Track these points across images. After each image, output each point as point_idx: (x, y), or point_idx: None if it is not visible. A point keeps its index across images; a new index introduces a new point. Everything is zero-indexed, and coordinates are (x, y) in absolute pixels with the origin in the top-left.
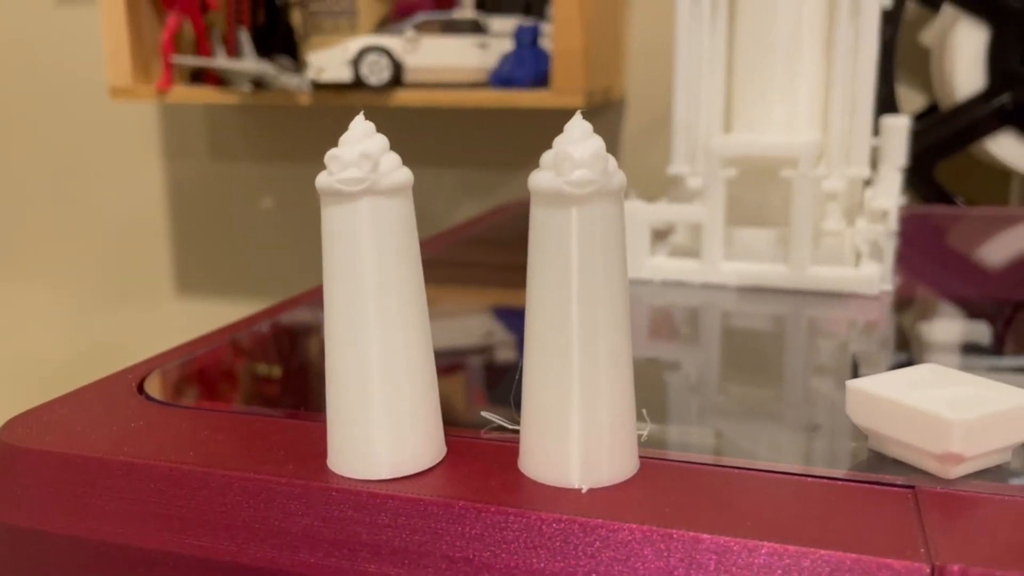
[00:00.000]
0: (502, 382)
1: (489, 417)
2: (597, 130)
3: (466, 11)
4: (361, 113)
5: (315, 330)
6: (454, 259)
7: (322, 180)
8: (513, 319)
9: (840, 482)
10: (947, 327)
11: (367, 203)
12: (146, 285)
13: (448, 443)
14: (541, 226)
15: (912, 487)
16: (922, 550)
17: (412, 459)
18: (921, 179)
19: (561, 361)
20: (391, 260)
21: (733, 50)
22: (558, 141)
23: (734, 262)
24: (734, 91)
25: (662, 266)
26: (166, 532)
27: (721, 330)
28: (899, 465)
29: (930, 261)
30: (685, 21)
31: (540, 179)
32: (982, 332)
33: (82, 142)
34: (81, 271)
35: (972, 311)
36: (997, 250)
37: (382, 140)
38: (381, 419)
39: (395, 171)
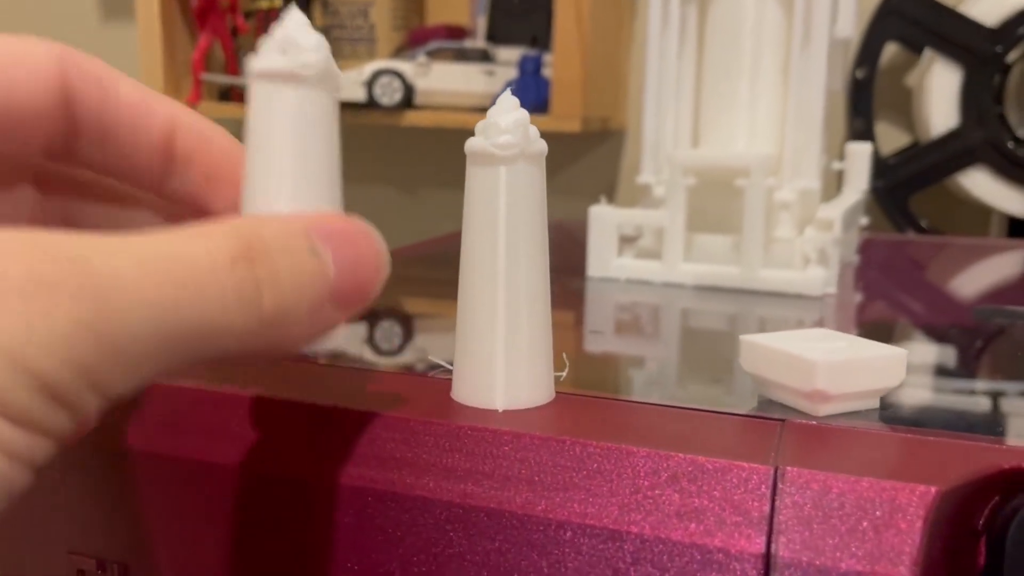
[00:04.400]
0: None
1: (436, 362)
2: (597, 159)
3: (477, 41)
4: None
5: None
6: (418, 275)
7: (478, 144)
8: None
9: (723, 415)
10: (887, 327)
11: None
12: None
13: (387, 378)
14: (474, 182)
15: (783, 420)
16: (771, 458)
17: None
18: (895, 209)
19: (487, 298)
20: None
21: (701, 74)
22: (489, 112)
23: (693, 264)
24: (701, 111)
25: (627, 266)
26: (307, 463)
27: (675, 325)
28: (783, 409)
29: (888, 281)
30: (655, 44)
31: (473, 143)
32: (918, 336)
33: None
34: None
35: (915, 322)
36: (955, 276)
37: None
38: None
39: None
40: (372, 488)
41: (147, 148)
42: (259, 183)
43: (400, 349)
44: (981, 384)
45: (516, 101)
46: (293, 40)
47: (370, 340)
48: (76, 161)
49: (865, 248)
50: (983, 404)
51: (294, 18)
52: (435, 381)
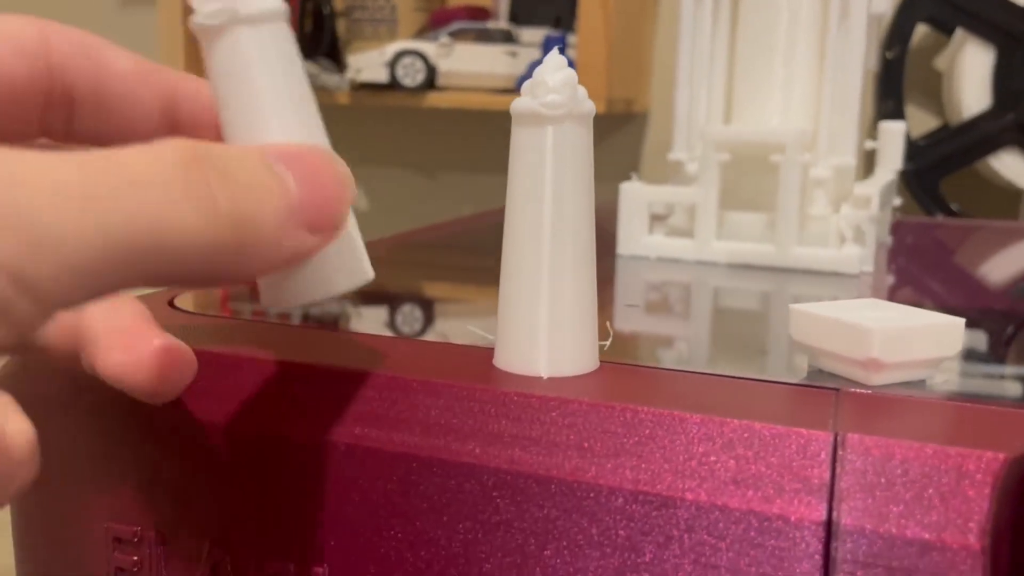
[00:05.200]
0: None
1: (474, 331)
2: (620, 141)
3: (500, 22)
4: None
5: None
6: (441, 260)
7: (524, 104)
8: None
9: (775, 384)
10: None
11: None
12: None
13: (428, 347)
14: (520, 144)
15: (837, 389)
16: (830, 425)
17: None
18: (926, 192)
19: (533, 262)
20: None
21: (735, 49)
22: (536, 71)
23: (725, 242)
24: (734, 87)
25: (658, 244)
26: (350, 429)
27: (711, 304)
28: (835, 379)
29: (921, 264)
30: (689, 19)
31: (519, 103)
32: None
33: None
34: None
35: (955, 300)
36: (988, 259)
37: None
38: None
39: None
40: (416, 454)
41: (146, 117)
42: (241, 124)
43: (422, 331)
44: None
45: (564, 60)
46: None
47: (391, 323)
48: (76, 137)
49: (896, 230)
50: None
51: None
52: (475, 349)
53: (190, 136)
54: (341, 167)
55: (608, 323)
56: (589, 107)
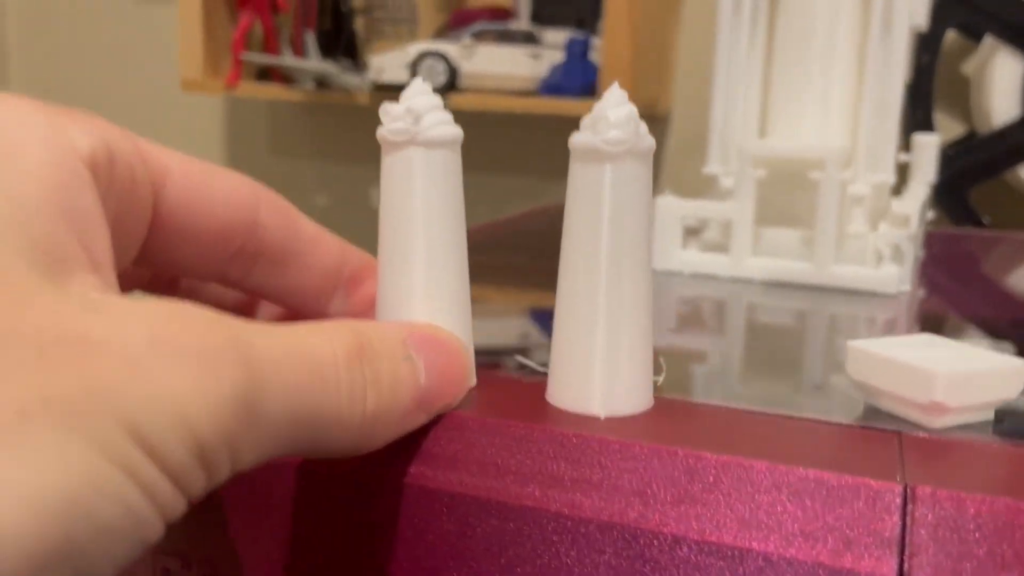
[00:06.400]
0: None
1: (523, 362)
2: None
3: (521, 23)
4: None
5: None
6: (486, 258)
7: (585, 139)
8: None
9: (834, 425)
10: (963, 329)
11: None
12: None
13: (482, 378)
14: (579, 179)
15: (899, 432)
16: (898, 475)
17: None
18: (954, 202)
19: (589, 300)
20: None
21: (771, 60)
22: (596, 106)
23: (761, 258)
24: (770, 99)
25: (692, 259)
26: (413, 465)
27: (745, 320)
28: (892, 419)
29: (953, 277)
30: (726, 31)
31: (579, 138)
32: (996, 337)
33: (149, 130)
34: None
35: (988, 324)
36: (1021, 272)
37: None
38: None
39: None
40: (475, 495)
41: (315, 277)
42: (395, 249)
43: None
44: None
45: (624, 94)
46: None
47: None
48: (246, 286)
49: (927, 242)
50: None
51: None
52: (527, 383)
53: (347, 296)
54: (465, 357)
55: (660, 358)
56: (650, 143)
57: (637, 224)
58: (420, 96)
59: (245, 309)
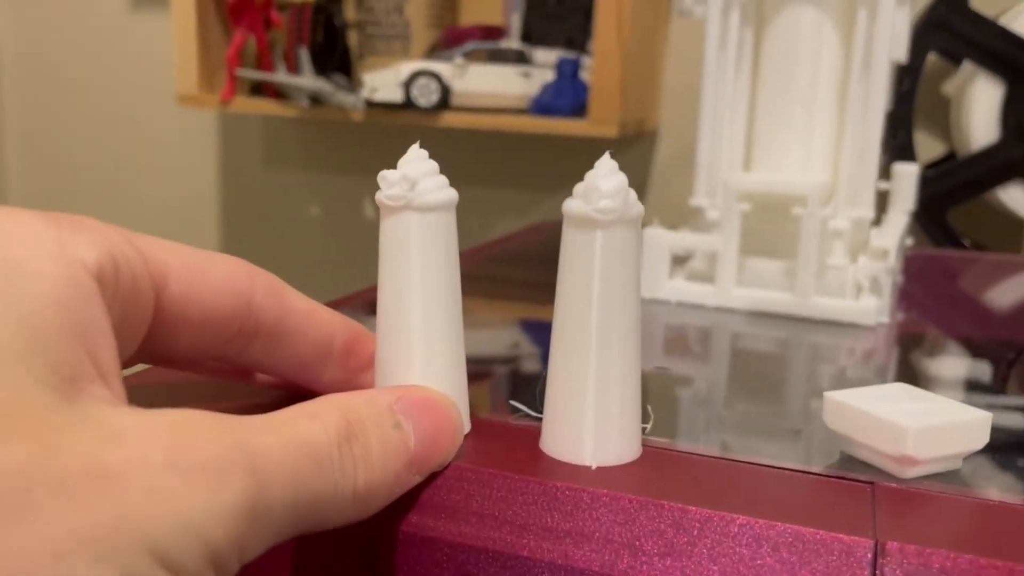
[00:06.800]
0: (529, 383)
1: (517, 406)
2: (629, 160)
3: (512, 42)
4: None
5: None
6: (488, 273)
7: (577, 207)
8: (539, 331)
9: (811, 475)
10: (937, 358)
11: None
12: None
13: (477, 424)
14: (571, 245)
15: (872, 483)
16: (870, 530)
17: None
18: (934, 223)
19: (581, 358)
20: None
21: (756, 96)
22: (589, 175)
23: (745, 288)
24: (755, 133)
25: (679, 288)
26: (414, 515)
27: (730, 349)
28: (865, 467)
29: (932, 298)
30: (712, 67)
31: (572, 205)
32: (970, 365)
33: (143, 144)
34: None
35: (965, 346)
36: (1000, 294)
37: (625, 178)
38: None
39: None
40: (473, 545)
41: (309, 349)
42: (392, 309)
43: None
44: None
45: (615, 164)
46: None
47: None
48: (244, 360)
49: (907, 263)
50: None
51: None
52: (521, 430)
53: (340, 364)
54: (455, 415)
55: (648, 407)
56: (639, 211)
57: (626, 286)
58: (416, 162)
59: (241, 372)
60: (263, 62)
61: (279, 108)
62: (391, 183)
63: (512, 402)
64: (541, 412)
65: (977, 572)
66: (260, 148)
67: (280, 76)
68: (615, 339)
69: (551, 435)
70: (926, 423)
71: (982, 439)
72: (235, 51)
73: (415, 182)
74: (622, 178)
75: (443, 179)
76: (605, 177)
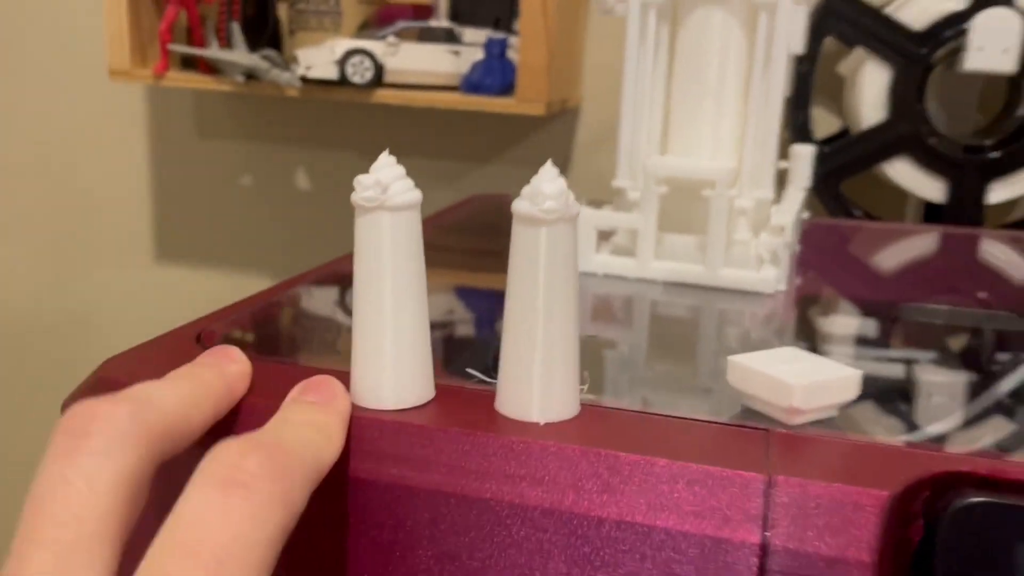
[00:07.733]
0: (474, 348)
1: (473, 373)
2: (553, 136)
3: (441, 21)
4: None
5: (323, 296)
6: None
7: (525, 207)
8: (477, 298)
9: (718, 424)
10: (830, 318)
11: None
12: (125, 252)
13: (441, 390)
14: (520, 239)
15: (766, 429)
16: (764, 467)
17: (412, 395)
18: (829, 194)
19: (529, 333)
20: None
21: (671, 87)
22: (534, 180)
23: (662, 261)
24: (670, 121)
25: (605, 262)
26: (395, 467)
27: (649, 316)
28: (761, 417)
29: (826, 264)
30: (633, 62)
31: (521, 206)
32: (859, 324)
33: (73, 116)
34: (60, 235)
35: (854, 307)
36: (886, 258)
37: (564, 182)
38: (389, 362)
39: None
40: (443, 491)
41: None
42: (366, 297)
43: None
44: (911, 378)
45: (556, 170)
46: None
47: None
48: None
49: (804, 233)
50: (917, 407)
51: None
52: (478, 393)
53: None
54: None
55: (585, 372)
56: (577, 210)
57: (566, 273)
58: (387, 168)
59: None
60: (194, 37)
61: (213, 83)
62: (366, 187)
63: (468, 370)
64: (494, 378)
65: (845, 496)
66: (192, 120)
67: (214, 52)
68: (557, 317)
69: (505, 397)
70: (809, 380)
71: (854, 392)
72: (167, 25)
73: (387, 186)
74: (563, 182)
75: (410, 182)
76: (549, 182)
